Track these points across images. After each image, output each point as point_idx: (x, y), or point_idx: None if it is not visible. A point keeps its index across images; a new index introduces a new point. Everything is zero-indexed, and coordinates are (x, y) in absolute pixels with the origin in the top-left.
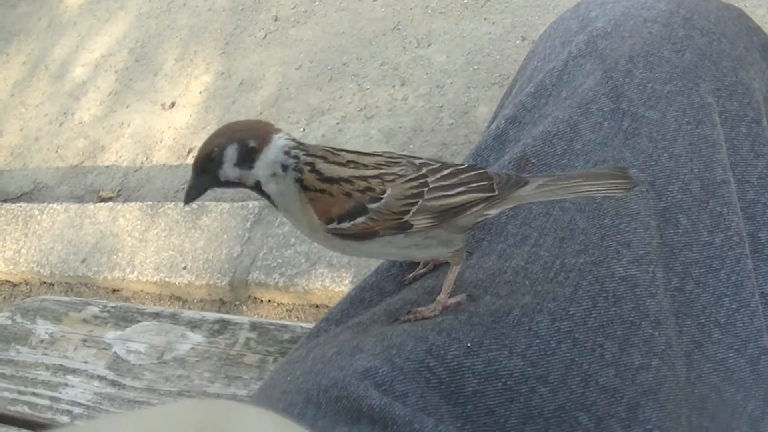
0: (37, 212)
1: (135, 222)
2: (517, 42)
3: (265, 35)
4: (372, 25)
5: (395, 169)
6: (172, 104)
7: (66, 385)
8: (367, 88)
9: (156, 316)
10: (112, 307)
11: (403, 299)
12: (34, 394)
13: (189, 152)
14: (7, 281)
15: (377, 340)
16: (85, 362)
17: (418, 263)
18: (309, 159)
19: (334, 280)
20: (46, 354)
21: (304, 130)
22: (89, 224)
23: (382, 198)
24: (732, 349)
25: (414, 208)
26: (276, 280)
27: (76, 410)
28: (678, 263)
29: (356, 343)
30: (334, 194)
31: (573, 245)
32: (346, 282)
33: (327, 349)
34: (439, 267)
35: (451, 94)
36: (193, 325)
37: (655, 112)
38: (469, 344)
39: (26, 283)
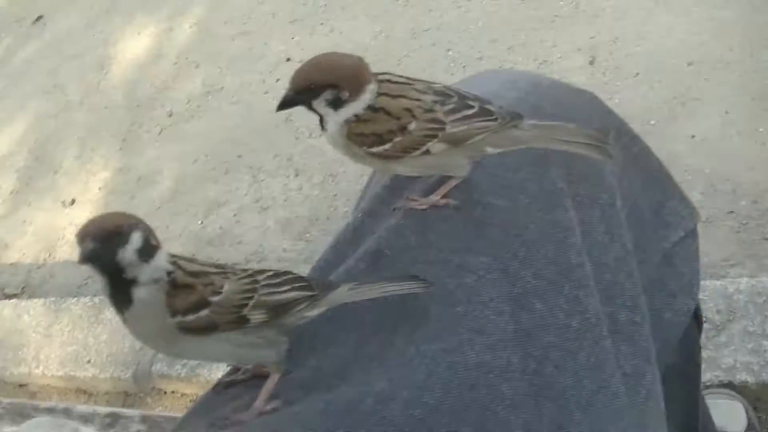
0: None
1: (39, 318)
2: None
3: (161, 131)
4: (265, 117)
5: (227, 269)
6: (73, 201)
7: None
8: (263, 180)
9: (50, 411)
10: (8, 403)
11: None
12: None
13: None
14: None
15: None
16: None
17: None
18: (175, 260)
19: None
20: None
21: (202, 222)
22: None
23: (221, 292)
24: (594, 430)
25: (251, 302)
26: (178, 371)
27: None
28: (535, 347)
29: None
30: (195, 288)
31: (427, 332)
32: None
33: None
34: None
35: (345, 183)
36: (85, 419)
37: (506, 201)
38: None
39: None
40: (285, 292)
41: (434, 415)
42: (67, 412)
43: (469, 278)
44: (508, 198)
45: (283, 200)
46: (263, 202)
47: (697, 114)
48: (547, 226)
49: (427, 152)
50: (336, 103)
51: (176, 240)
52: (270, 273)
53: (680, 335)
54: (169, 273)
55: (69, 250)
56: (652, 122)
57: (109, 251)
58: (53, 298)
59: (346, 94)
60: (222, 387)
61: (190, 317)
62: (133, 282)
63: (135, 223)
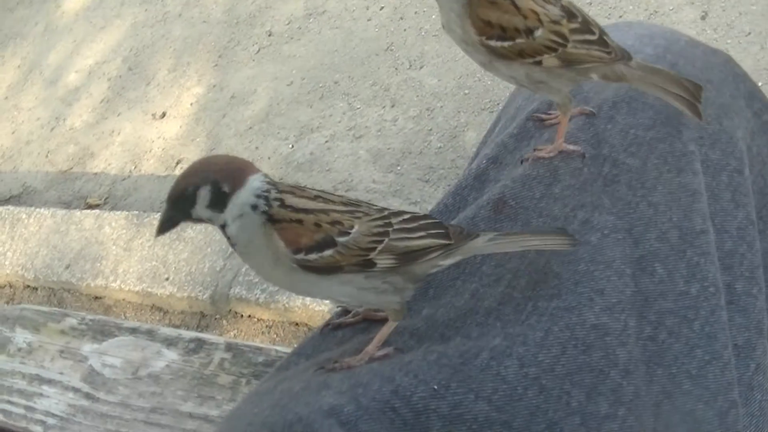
0: (24, 216)
1: (120, 231)
2: None
3: (258, 50)
4: (365, 45)
5: (360, 208)
6: (163, 114)
7: (41, 395)
8: (358, 108)
9: (133, 331)
10: (91, 320)
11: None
12: (9, 402)
13: (178, 163)
14: None
15: (344, 377)
16: (61, 373)
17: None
18: (279, 195)
19: (314, 299)
20: (23, 363)
21: (292, 146)
22: (75, 230)
23: (350, 233)
24: (701, 401)
25: (380, 246)
26: (257, 296)
27: (50, 421)
28: (652, 312)
29: (323, 378)
30: (305, 223)
31: (546, 289)
32: (326, 302)
33: (295, 383)
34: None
35: (441, 118)
36: (169, 342)
37: (635, 159)
38: (435, 386)
39: (10, 286)
40: (418, 238)
41: (548, 375)
42: (150, 334)
43: (594, 236)
44: (638, 156)
45: (376, 131)
46: (356, 130)
47: None
48: (674, 189)
49: (539, 63)
50: None
51: (265, 162)
52: (407, 216)
53: None
54: (253, 207)
55: (156, 163)
56: (760, 84)
57: (182, 215)
58: (136, 212)
59: None
60: (330, 329)
61: (313, 256)
62: (224, 224)
63: (203, 177)
